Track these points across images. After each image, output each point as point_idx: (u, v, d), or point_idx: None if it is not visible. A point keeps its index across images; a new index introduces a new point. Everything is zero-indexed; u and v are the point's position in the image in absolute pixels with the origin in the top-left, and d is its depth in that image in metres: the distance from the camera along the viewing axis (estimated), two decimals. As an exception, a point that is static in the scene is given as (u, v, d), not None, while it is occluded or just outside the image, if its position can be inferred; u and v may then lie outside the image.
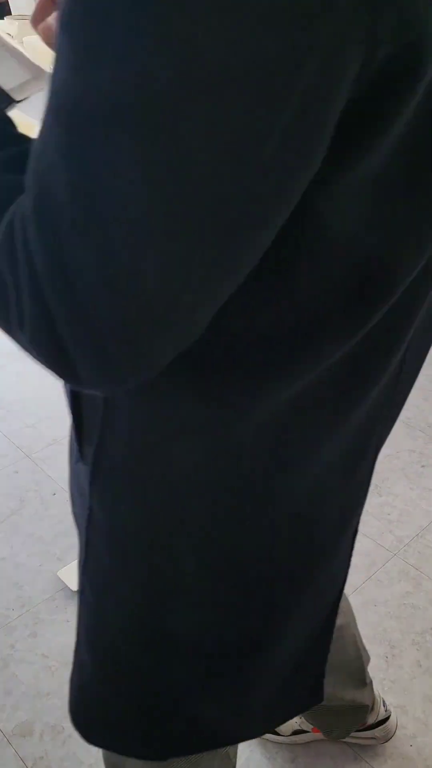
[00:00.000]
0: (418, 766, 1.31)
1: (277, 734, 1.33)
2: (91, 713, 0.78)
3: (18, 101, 0.68)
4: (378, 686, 1.43)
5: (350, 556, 0.77)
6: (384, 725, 1.30)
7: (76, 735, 1.35)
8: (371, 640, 1.53)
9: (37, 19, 0.64)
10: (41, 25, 0.63)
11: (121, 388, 0.39)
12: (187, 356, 0.44)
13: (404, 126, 0.40)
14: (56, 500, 1.89)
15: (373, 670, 1.46)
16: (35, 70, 0.69)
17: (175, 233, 0.34)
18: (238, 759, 1.09)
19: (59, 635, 1.54)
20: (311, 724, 1.28)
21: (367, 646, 1.51)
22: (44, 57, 1.66)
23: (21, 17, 1.89)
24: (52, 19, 0.63)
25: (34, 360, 0.41)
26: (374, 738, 1.31)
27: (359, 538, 1.76)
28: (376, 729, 1.30)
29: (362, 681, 1.20)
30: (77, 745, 1.33)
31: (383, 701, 1.32)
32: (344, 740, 1.32)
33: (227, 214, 0.34)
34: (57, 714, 1.39)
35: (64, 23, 0.33)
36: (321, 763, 1.31)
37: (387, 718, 1.31)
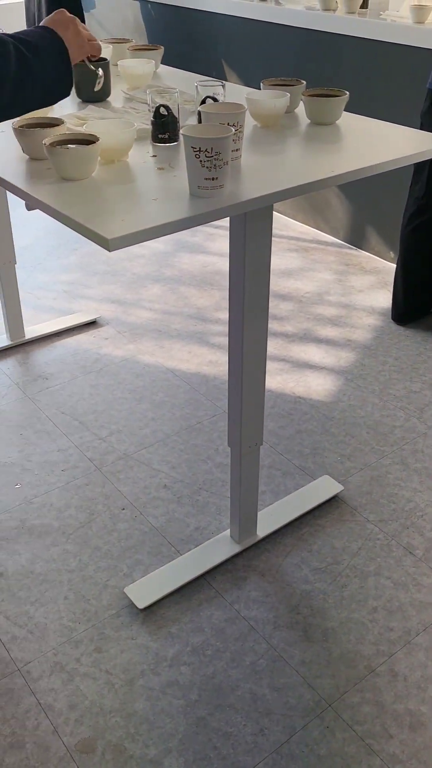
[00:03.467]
0: None
1: None
2: None
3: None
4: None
5: None
6: None
7: (137, 757, 1.35)
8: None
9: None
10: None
11: None
12: None
13: None
14: (125, 515, 1.90)
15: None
16: None
17: None
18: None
19: (124, 652, 1.54)
20: None
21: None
22: (137, 79, 1.77)
23: (116, 41, 1.93)
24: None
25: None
26: None
27: (428, 572, 1.71)
28: None
29: None
30: None
31: None
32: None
33: None
34: (119, 734, 1.39)
35: None
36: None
37: None
